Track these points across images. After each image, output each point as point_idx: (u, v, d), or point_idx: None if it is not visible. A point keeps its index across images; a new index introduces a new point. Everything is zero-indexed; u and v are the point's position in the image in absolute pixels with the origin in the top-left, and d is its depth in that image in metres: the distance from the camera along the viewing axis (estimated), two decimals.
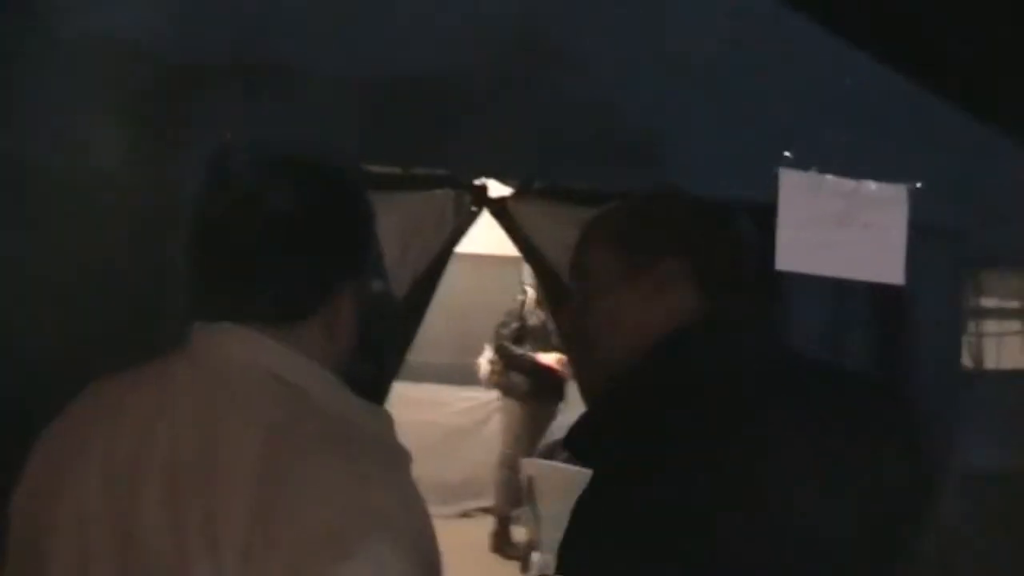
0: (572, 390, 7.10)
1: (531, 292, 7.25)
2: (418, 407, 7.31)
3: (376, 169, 3.26)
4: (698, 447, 1.49)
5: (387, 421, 1.45)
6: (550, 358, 7.02)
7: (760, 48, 2.84)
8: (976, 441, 3.15)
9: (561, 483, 5.59)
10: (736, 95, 2.78)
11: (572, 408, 6.49)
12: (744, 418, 1.51)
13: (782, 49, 2.84)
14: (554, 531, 5.60)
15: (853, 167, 2.52)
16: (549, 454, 6.08)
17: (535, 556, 6.00)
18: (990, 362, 3.62)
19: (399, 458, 1.38)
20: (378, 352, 1.83)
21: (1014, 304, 3.97)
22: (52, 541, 1.35)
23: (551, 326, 6.96)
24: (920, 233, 2.50)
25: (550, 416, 6.78)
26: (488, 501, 7.69)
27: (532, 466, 5.98)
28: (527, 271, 7.59)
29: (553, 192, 3.49)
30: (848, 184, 2.48)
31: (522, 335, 7.22)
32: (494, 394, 7.70)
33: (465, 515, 7.94)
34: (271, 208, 1.40)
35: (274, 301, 1.40)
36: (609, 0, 3.03)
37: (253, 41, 2.85)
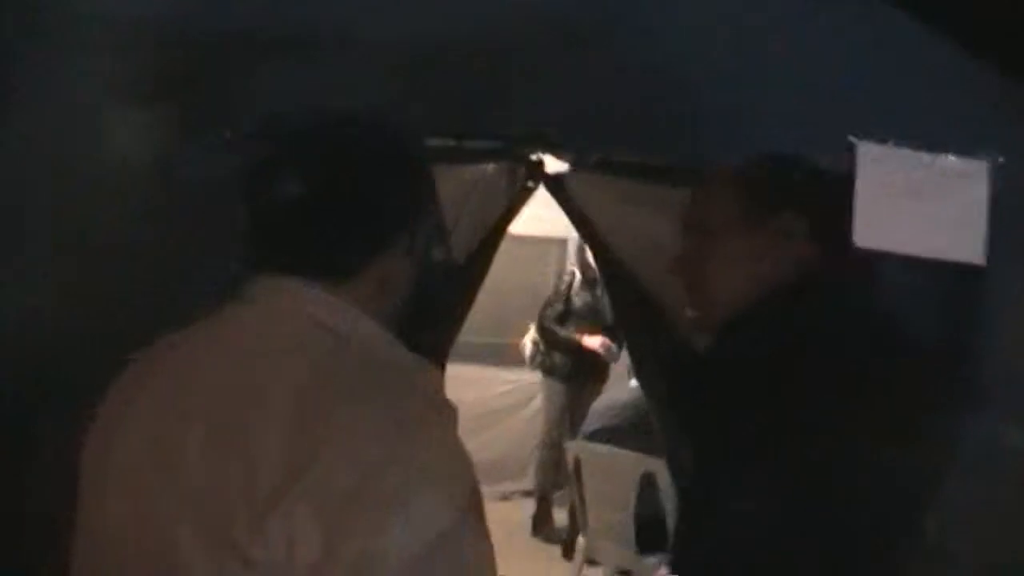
0: (614, 372, 7.05)
1: (577, 273, 7.18)
2: (456, 386, 7.26)
3: (428, 141, 3.20)
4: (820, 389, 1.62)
5: (435, 375, 1.46)
6: (594, 340, 6.96)
7: (834, 20, 2.74)
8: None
9: (606, 465, 5.53)
10: (809, 67, 2.68)
11: (614, 389, 6.43)
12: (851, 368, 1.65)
13: (856, 21, 2.74)
14: (599, 513, 5.58)
15: (935, 141, 2.43)
16: (596, 436, 6.02)
17: (580, 540, 5.94)
18: None
19: (444, 410, 1.37)
20: (436, 321, 1.85)
21: None
22: (105, 496, 1.38)
23: (597, 307, 6.91)
24: (1003, 211, 2.40)
25: (593, 398, 6.72)
26: (528, 483, 7.66)
27: (577, 447, 5.91)
28: (572, 251, 7.54)
29: (610, 167, 3.40)
30: (926, 158, 2.38)
31: (566, 316, 7.17)
32: (533, 375, 7.66)
33: (505, 498, 7.89)
34: (319, 167, 1.44)
35: (323, 256, 1.44)
36: None
37: (287, 8, 2.78)
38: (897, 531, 1.70)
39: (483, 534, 1.31)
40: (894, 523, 1.70)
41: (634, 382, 5.48)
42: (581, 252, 6.98)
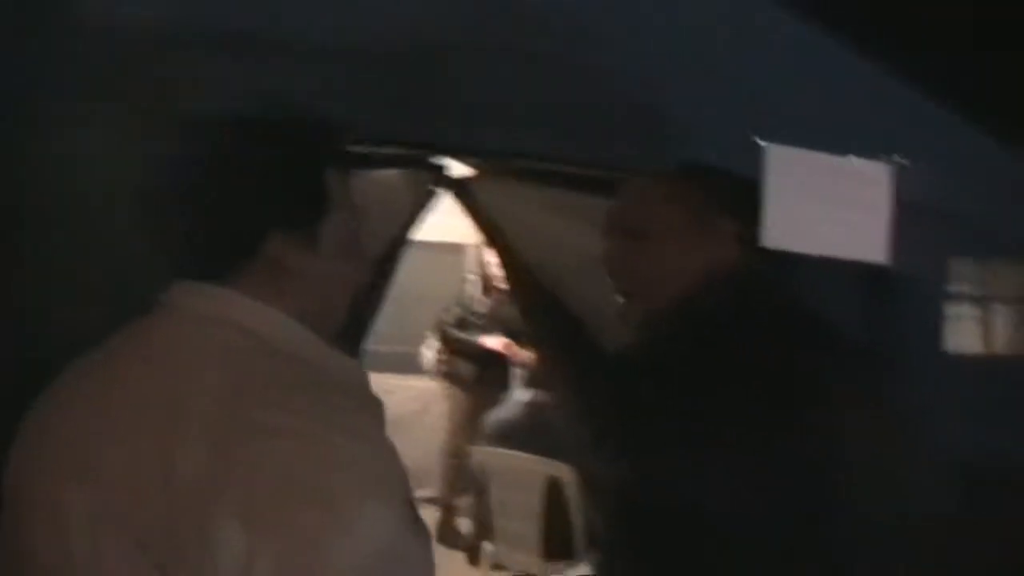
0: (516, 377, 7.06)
1: (475, 279, 7.19)
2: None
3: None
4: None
5: (359, 371, 1.48)
6: (495, 342, 6.95)
7: (744, 30, 2.78)
8: (956, 426, 3.13)
9: (510, 471, 5.53)
10: (720, 75, 2.71)
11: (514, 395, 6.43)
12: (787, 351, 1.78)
13: (766, 31, 2.78)
14: (505, 519, 5.57)
15: (842, 145, 2.48)
16: (497, 442, 6.01)
17: (487, 546, 5.92)
18: (972, 348, 3.63)
19: (371, 406, 1.40)
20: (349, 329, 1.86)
21: (993, 291, 3.97)
22: (29, 521, 1.35)
23: (496, 312, 6.91)
24: (908, 213, 2.46)
25: (496, 403, 6.71)
26: (432, 490, 7.62)
27: (481, 454, 5.90)
28: (470, 258, 7.54)
29: (518, 173, 3.40)
30: (833, 160, 2.43)
31: (466, 323, 7.16)
32: (433, 383, 7.63)
33: None
34: (195, 160, 1.46)
35: (207, 249, 1.45)
36: None
37: (211, 10, 2.72)
38: (828, 514, 1.75)
39: (428, 544, 1.29)
40: (826, 508, 1.75)
41: (524, 393, 5.53)
42: (479, 258, 6.98)
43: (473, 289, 7.22)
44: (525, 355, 6.36)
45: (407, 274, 7.89)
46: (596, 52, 2.80)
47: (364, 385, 1.46)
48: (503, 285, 6.81)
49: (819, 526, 1.73)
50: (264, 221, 1.46)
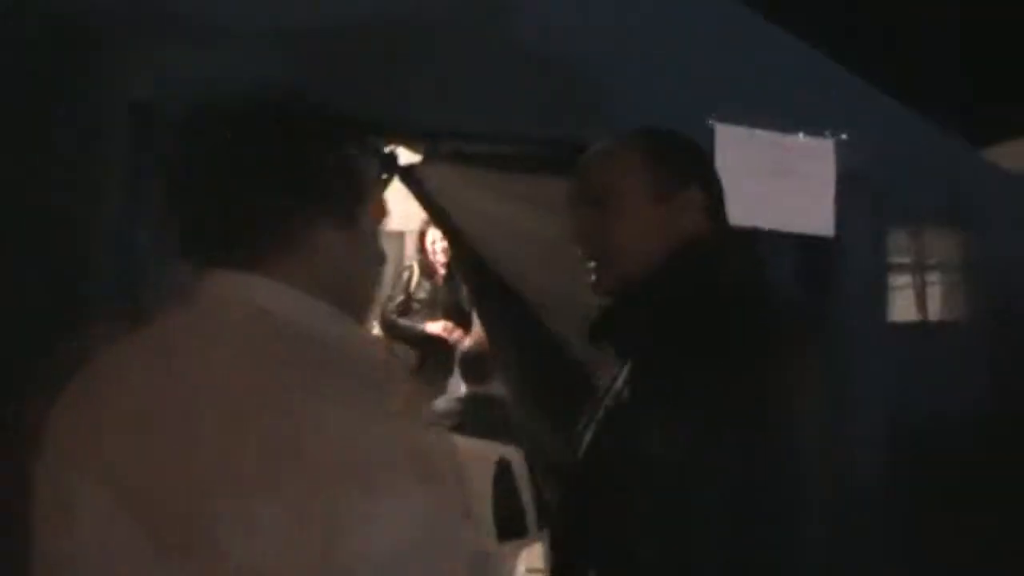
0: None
1: (415, 265, 7.20)
2: None
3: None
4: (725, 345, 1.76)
5: (392, 354, 1.54)
6: (436, 326, 6.98)
7: (694, 14, 2.86)
8: (898, 392, 3.24)
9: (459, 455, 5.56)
10: (669, 56, 2.78)
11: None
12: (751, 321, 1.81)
13: (713, 16, 2.87)
14: None
15: (784, 123, 2.56)
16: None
17: None
18: (908, 315, 3.74)
19: (408, 388, 1.37)
20: None
21: (927, 259, 4.08)
22: (78, 496, 1.33)
23: (437, 297, 6.94)
24: (847, 185, 2.55)
25: (440, 389, 6.75)
26: None
27: None
28: (410, 244, 7.55)
29: (464, 157, 3.43)
30: (778, 137, 2.52)
31: (407, 309, 7.17)
32: None
33: None
34: (230, 148, 1.41)
35: (240, 236, 1.40)
36: None
37: None
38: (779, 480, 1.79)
39: (479, 527, 1.29)
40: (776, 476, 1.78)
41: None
42: (420, 243, 6.99)
43: (414, 275, 7.22)
44: (467, 338, 6.41)
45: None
46: (540, 34, 2.86)
47: (398, 368, 1.43)
48: (443, 270, 6.86)
49: (769, 493, 1.77)
50: (310, 208, 1.44)
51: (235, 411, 1.23)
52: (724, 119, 2.45)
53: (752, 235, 2.19)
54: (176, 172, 1.45)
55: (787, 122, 2.59)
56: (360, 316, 1.47)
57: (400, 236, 7.97)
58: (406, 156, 3.52)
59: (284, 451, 1.19)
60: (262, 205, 1.40)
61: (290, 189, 1.42)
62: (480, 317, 4.91)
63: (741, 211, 2.42)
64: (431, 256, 6.86)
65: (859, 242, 3.05)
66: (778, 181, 2.47)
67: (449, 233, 3.68)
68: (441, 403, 6.05)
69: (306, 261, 1.41)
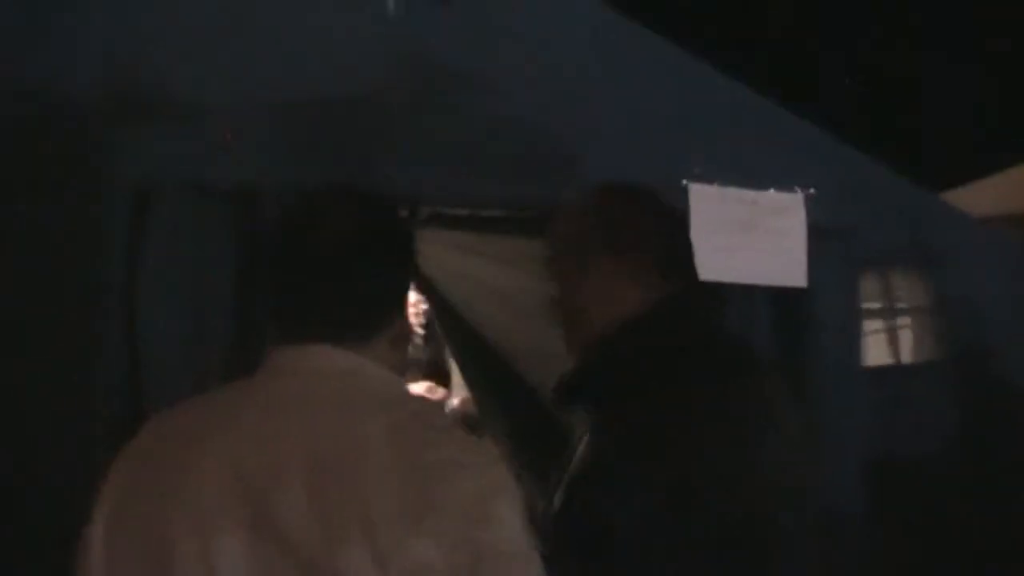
0: None
1: None
2: None
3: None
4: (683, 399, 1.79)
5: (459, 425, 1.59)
6: (419, 386, 6.99)
7: (657, 71, 2.95)
8: (872, 433, 3.32)
9: None
10: (638, 116, 2.87)
11: None
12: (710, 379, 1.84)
13: (676, 72, 2.96)
14: None
15: (751, 179, 2.65)
16: None
17: None
18: (879, 358, 3.82)
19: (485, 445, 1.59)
20: None
21: (893, 302, 4.16)
22: (175, 551, 1.40)
23: (420, 358, 6.96)
24: (817, 235, 2.64)
25: None
26: None
27: None
28: None
29: (443, 220, 3.49)
30: (750, 194, 2.61)
31: None
32: None
33: None
34: (343, 231, 1.52)
35: (352, 317, 1.52)
36: (500, 18, 3.06)
37: (138, 75, 2.77)
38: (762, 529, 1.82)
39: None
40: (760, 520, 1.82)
41: None
42: None
43: None
44: (451, 397, 6.44)
45: None
46: (510, 102, 2.94)
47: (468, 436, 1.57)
48: (421, 330, 6.88)
49: (743, 531, 1.78)
50: (401, 290, 1.61)
51: (388, 469, 1.37)
52: (696, 178, 2.54)
53: (714, 289, 2.22)
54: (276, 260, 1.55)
55: (754, 176, 2.68)
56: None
57: None
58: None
59: (414, 495, 1.35)
60: (378, 288, 1.54)
61: (394, 270, 1.57)
62: (465, 377, 4.97)
63: (715, 266, 2.52)
64: (411, 318, 6.91)
65: (828, 289, 3.14)
66: (750, 236, 2.56)
67: (431, 295, 3.73)
68: None
69: (385, 339, 1.55)
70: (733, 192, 2.55)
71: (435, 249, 3.60)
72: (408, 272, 1.64)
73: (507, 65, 2.99)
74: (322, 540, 1.35)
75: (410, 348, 6.75)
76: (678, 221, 2.11)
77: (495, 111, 2.98)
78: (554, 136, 2.92)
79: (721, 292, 2.41)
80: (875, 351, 3.84)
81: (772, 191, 2.58)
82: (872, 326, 3.92)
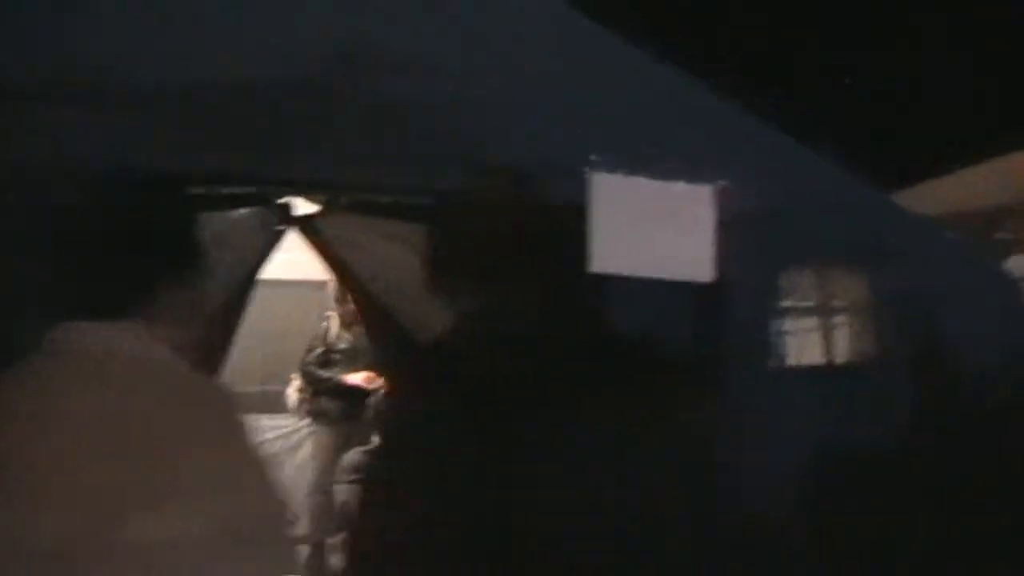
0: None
1: (334, 316, 7.15)
2: None
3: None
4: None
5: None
6: (356, 377, 6.93)
7: (566, 51, 2.86)
8: (786, 436, 3.24)
9: None
10: (546, 99, 2.78)
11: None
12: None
13: (586, 52, 2.87)
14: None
15: (661, 168, 2.56)
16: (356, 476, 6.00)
17: None
18: (794, 355, 3.74)
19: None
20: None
21: (811, 300, 4.10)
22: None
23: (358, 347, 6.89)
24: (731, 229, 2.55)
25: (363, 439, 6.69)
26: (303, 529, 7.55)
27: (345, 492, 5.88)
28: (331, 294, 7.51)
29: (362, 206, 3.43)
30: (657, 185, 2.51)
31: (328, 360, 7.12)
32: (304, 421, 7.57)
33: None
34: (111, 212, 1.62)
35: (116, 296, 1.60)
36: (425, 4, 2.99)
37: (51, 57, 2.70)
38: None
39: None
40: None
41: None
42: (340, 293, 6.94)
43: (333, 326, 7.17)
44: (388, 386, 6.37)
45: (273, 313, 7.82)
46: (424, 89, 2.86)
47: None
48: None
49: (662, 534, 1.78)
50: (158, 268, 1.65)
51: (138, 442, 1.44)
52: (599, 167, 2.44)
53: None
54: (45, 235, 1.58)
55: (675, 165, 2.59)
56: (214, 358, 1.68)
57: (321, 286, 7.93)
58: (304, 207, 3.53)
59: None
60: (118, 266, 1.59)
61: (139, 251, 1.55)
62: (385, 364, 4.91)
63: (617, 260, 2.43)
64: (350, 306, 6.83)
65: (755, 284, 3.06)
66: (657, 228, 2.47)
67: (348, 282, 3.68)
68: (350, 456, 6.01)
69: (168, 317, 1.62)
70: (637, 182, 2.46)
71: (351, 235, 3.55)
72: (185, 254, 1.70)
73: (422, 49, 2.92)
74: (99, 513, 1.41)
75: (350, 337, 6.68)
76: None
77: (405, 97, 2.90)
78: (460, 123, 2.84)
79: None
80: (812, 348, 3.78)
81: (680, 182, 2.47)
82: (809, 323, 3.86)
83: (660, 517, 1.75)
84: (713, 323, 2.86)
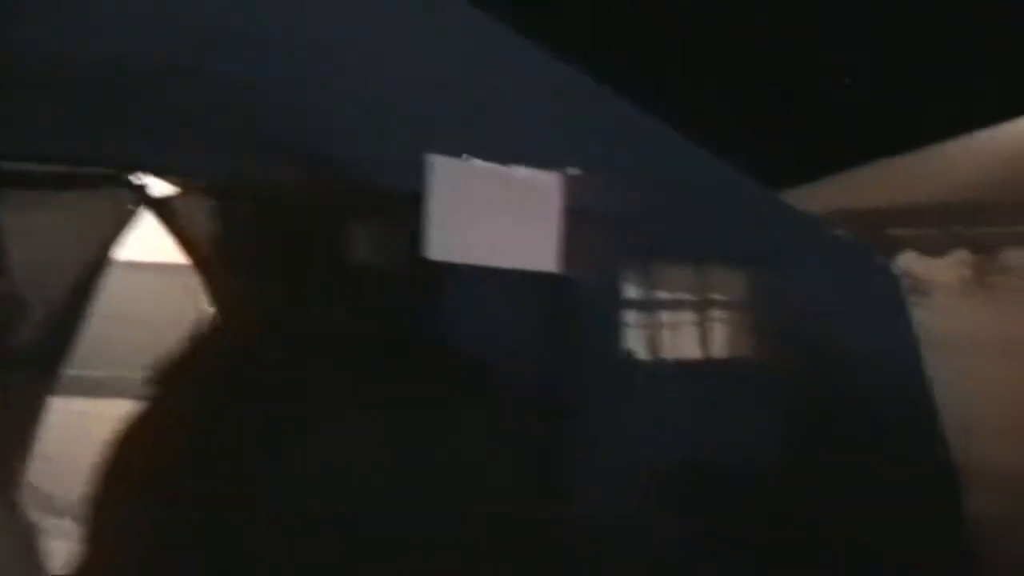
0: None
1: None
2: (104, 424, 6.95)
3: (31, 167, 3.04)
4: None
5: None
6: None
7: (417, 37, 2.81)
8: (638, 433, 3.20)
9: None
10: (391, 83, 2.73)
11: None
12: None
13: (438, 38, 2.82)
14: None
15: (511, 155, 2.50)
16: None
17: None
18: (664, 353, 3.70)
19: None
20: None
21: (687, 295, 4.06)
22: None
23: None
24: (583, 219, 2.50)
25: None
26: None
27: None
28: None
29: (220, 189, 3.33)
30: (498, 170, 2.45)
31: None
32: None
33: None
34: None
35: None
36: None
37: None
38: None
39: None
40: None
41: None
42: None
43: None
44: None
45: (134, 297, 7.63)
46: (271, 77, 2.80)
47: None
48: None
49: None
50: None
51: None
52: (442, 150, 2.37)
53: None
54: None
55: (516, 153, 2.53)
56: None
57: (184, 269, 7.79)
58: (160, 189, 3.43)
59: None
60: None
61: None
62: None
63: (455, 247, 2.36)
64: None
65: (631, 280, 3.03)
66: (499, 216, 2.40)
67: (201, 265, 3.58)
68: None
69: None
70: (479, 167, 2.39)
71: (208, 218, 3.45)
72: None
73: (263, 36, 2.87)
74: None
75: None
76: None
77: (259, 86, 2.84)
78: (309, 113, 2.79)
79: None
80: (678, 348, 3.74)
81: (523, 168, 2.40)
82: (687, 318, 3.81)
83: (458, 522, 1.70)
84: (561, 318, 2.82)
